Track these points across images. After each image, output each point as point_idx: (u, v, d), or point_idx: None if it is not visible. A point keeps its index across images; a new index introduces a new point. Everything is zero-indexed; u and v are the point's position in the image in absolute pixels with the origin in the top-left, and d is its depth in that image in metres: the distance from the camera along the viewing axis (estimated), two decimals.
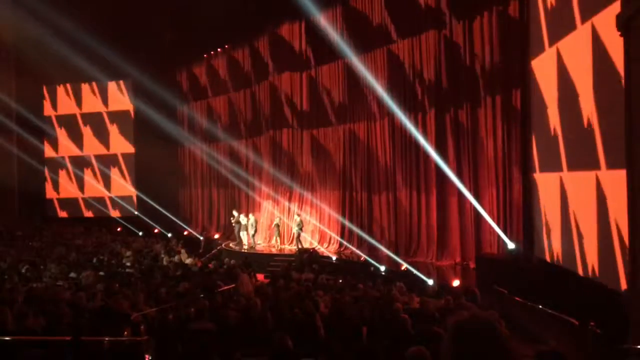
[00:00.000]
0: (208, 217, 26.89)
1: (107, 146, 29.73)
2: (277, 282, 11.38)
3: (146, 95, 25.17)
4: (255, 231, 20.74)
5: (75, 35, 21.64)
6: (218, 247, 21.33)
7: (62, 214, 30.56)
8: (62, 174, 30.34)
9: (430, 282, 12.83)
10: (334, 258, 17.57)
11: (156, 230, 25.50)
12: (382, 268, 15.27)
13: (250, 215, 20.99)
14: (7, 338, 6.05)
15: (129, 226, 26.73)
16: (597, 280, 8.39)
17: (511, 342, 1.98)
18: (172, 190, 27.77)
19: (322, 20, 19.61)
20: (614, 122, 7.54)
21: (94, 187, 29.54)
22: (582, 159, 9.03)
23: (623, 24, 6.58)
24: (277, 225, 20.71)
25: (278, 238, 20.75)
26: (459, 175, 15.30)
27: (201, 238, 23.96)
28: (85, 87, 29.95)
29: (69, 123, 30.27)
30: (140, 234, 25.60)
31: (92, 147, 29.88)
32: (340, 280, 12.66)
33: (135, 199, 28.54)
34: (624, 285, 7.16)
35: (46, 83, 29.95)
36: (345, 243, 18.89)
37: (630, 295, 6.73)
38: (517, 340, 8.21)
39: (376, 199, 18.38)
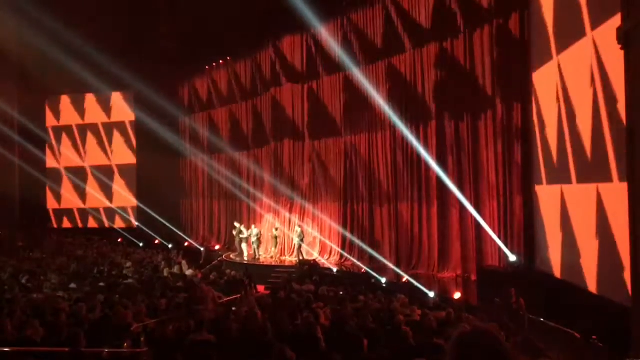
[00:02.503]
0: (209, 229, 26.86)
1: (109, 157, 29.79)
2: (278, 294, 11.34)
3: (148, 106, 25.23)
4: (260, 243, 20.70)
5: (78, 46, 21.75)
6: (219, 259, 21.29)
7: (63, 224, 30.55)
8: (64, 184, 30.36)
9: (432, 294, 12.79)
10: (334, 270, 17.52)
11: (157, 242, 25.47)
12: (383, 280, 15.23)
13: (254, 227, 20.95)
14: (6, 349, 6.03)
15: (129, 237, 26.71)
16: (598, 293, 8.37)
17: (513, 355, 1.97)
18: (173, 201, 27.77)
19: (324, 33, 19.72)
20: (615, 135, 7.55)
21: (95, 197, 29.55)
22: (583, 172, 9.04)
23: (623, 37, 6.61)
24: (276, 237, 20.67)
25: (274, 249, 20.72)
26: (460, 187, 15.30)
27: (202, 249, 23.92)
28: (87, 98, 30.06)
29: (71, 134, 30.35)
30: (141, 245, 25.56)
31: (93, 157, 29.94)
32: (342, 292, 12.61)
33: (136, 210, 28.55)
34: (625, 298, 7.14)
35: (49, 94, 30.05)
36: (346, 255, 18.85)
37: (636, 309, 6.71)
38: (519, 353, 8.17)
39: (377, 211, 18.36)
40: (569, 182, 9.67)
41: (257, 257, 20.46)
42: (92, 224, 29.93)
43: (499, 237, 13.95)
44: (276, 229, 20.85)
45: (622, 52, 6.70)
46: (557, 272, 10.59)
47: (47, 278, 15.67)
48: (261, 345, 6.06)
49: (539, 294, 10.57)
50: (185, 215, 28.24)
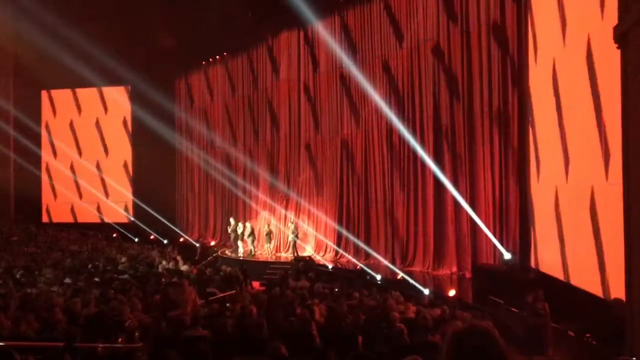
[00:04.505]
0: (204, 224, 26.82)
1: (105, 152, 29.68)
2: (273, 290, 11.34)
3: (144, 101, 25.17)
4: (254, 239, 20.71)
5: (75, 40, 21.67)
6: (214, 255, 21.27)
7: (58, 219, 30.43)
8: (59, 179, 30.21)
9: (426, 291, 12.81)
10: (330, 266, 17.53)
11: (152, 237, 25.40)
12: (378, 277, 15.24)
13: (248, 223, 20.95)
14: (1, 343, 6.02)
15: (125, 232, 26.64)
16: (592, 291, 8.40)
17: (508, 351, 1.98)
18: (169, 196, 27.69)
19: (320, 30, 19.70)
20: (610, 134, 7.57)
21: (90, 192, 29.42)
22: (578, 171, 9.06)
23: (620, 36, 6.61)
24: (268, 234, 20.66)
25: (268, 245, 20.73)
26: (456, 185, 15.32)
27: (197, 245, 23.88)
28: (83, 93, 29.92)
29: (67, 128, 30.21)
30: (136, 240, 25.51)
31: (89, 152, 29.81)
32: (337, 289, 12.62)
33: (131, 205, 28.48)
34: (616, 295, 7.17)
35: (45, 88, 29.92)
36: (341, 251, 18.86)
37: (621, 304, 6.75)
38: (513, 351, 8.20)
39: (373, 208, 18.36)
40: (564, 180, 9.69)
41: (252, 253, 20.45)
42: (87, 218, 29.82)
43: (494, 235, 13.99)
44: (268, 226, 20.87)
45: (618, 51, 6.71)
46: (551, 270, 10.62)
47: (41, 273, 15.63)
48: (256, 341, 6.07)
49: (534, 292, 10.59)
50: (180, 211, 28.18)
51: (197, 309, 8.64)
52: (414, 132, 16.69)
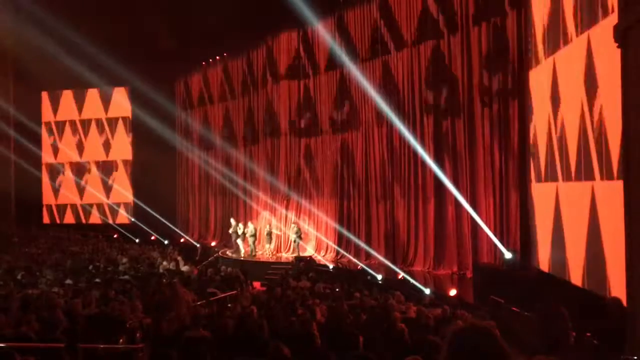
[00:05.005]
0: (205, 225, 26.83)
1: (105, 153, 29.70)
2: (274, 290, 11.34)
3: (144, 102, 25.18)
4: (256, 239, 20.73)
5: (75, 41, 21.67)
6: (215, 255, 21.28)
7: (59, 220, 30.44)
8: (60, 180, 30.25)
9: (427, 291, 12.81)
10: (330, 266, 17.53)
11: (153, 238, 25.41)
12: (379, 277, 15.25)
13: (250, 224, 20.97)
14: (1, 345, 6.01)
15: (125, 233, 26.65)
16: (593, 290, 8.39)
17: (509, 352, 1.98)
18: (170, 197, 27.70)
19: (320, 30, 19.71)
20: (610, 134, 7.56)
21: (91, 193, 29.46)
22: (578, 170, 9.05)
23: (620, 35, 6.60)
24: (269, 234, 20.68)
25: (269, 246, 20.73)
26: (456, 184, 15.32)
27: (198, 245, 23.89)
28: (83, 94, 29.94)
29: (68, 129, 30.23)
30: (137, 241, 25.51)
31: (90, 153, 29.84)
32: (338, 289, 12.62)
33: (132, 205, 28.49)
34: (616, 294, 7.16)
35: (45, 89, 29.94)
36: (342, 251, 18.87)
37: (619, 303, 6.74)
38: (514, 351, 8.18)
39: (373, 208, 18.38)
40: (564, 179, 9.68)
41: (253, 253, 20.46)
42: (88, 219, 29.84)
43: (495, 234, 13.97)
44: (268, 226, 20.89)
45: (617, 51, 6.69)
46: (552, 269, 10.62)
47: (42, 274, 15.64)
48: (257, 341, 6.06)
49: (535, 291, 10.59)
50: (181, 212, 28.20)
51: (193, 310, 8.63)
52: (414, 132, 16.68)
